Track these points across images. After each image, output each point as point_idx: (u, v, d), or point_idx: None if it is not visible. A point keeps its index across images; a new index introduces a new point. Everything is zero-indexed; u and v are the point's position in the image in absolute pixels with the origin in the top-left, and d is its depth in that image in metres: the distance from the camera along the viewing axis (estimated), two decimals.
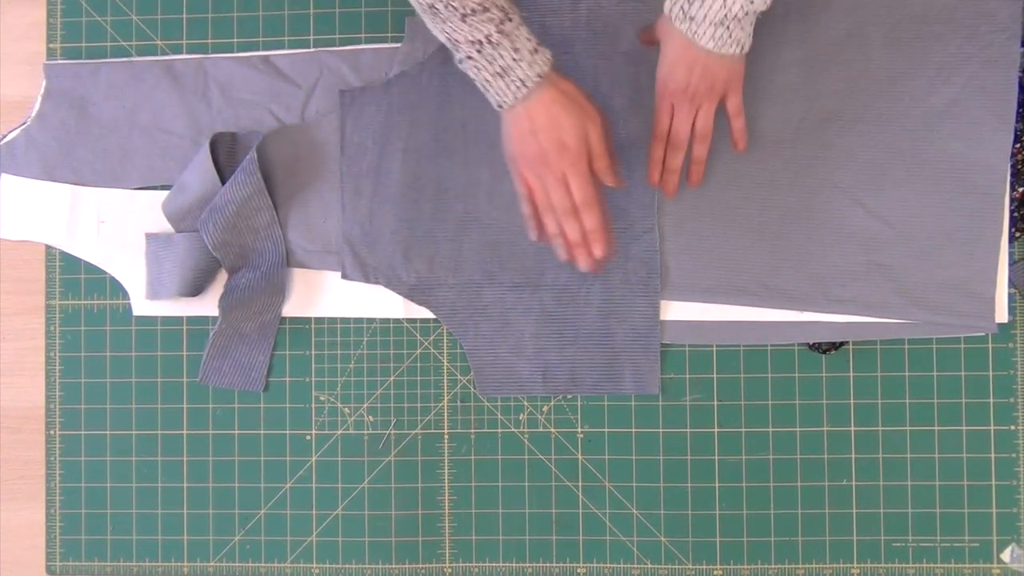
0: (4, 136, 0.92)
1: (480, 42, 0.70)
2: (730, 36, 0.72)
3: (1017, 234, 0.84)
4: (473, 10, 0.69)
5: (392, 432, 0.89)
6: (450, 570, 0.88)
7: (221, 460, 0.89)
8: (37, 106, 0.91)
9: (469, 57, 0.71)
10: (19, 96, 0.93)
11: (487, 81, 0.72)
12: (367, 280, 0.87)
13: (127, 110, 0.90)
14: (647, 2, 0.84)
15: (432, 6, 0.69)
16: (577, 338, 0.86)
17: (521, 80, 0.72)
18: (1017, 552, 0.84)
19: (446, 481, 0.88)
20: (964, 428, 0.85)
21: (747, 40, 0.73)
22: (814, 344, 0.85)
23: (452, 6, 0.69)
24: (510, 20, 0.70)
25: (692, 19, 0.71)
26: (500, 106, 0.74)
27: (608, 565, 0.87)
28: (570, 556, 0.87)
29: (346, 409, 0.89)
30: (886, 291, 0.83)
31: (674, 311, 0.86)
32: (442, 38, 0.72)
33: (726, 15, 0.70)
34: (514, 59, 0.71)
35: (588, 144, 0.75)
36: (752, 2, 0.69)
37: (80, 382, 0.91)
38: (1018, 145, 0.83)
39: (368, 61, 0.88)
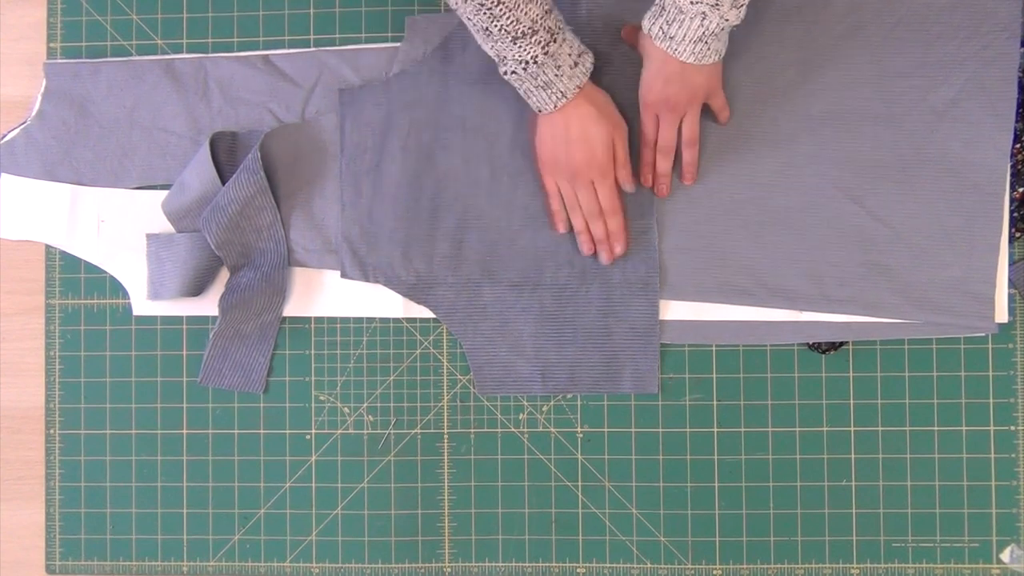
0: (4, 136, 0.92)
1: (526, 62, 0.75)
2: (708, 49, 0.74)
3: (1017, 234, 0.84)
4: (523, 33, 0.73)
5: (392, 432, 0.89)
6: (450, 570, 0.88)
7: (221, 460, 0.89)
8: (37, 106, 0.91)
9: (514, 72, 0.76)
10: (19, 96, 0.93)
11: (529, 91, 0.78)
12: (367, 279, 0.87)
13: (127, 109, 0.90)
14: (646, 2, 0.84)
15: (486, 29, 0.73)
16: (576, 337, 0.86)
17: (561, 92, 0.77)
18: (1017, 552, 0.84)
19: (446, 481, 0.88)
20: (964, 428, 0.85)
21: (724, 48, 0.76)
22: (814, 344, 0.85)
23: (505, 29, 0.73)
24: (554, 41, 0.75)
25: (672, 38, 0.74)
26: (539, 111, 0.79)
27: (608, 565, 0.87)
28: (570, 556, 0.87)
29: (346, 409, 0.89)
30: (885, 291, 0.83)
31: (673, 311, 0.86)
32: (490, 53, 0.77)
33: (704, 32, 0.73)
34: (556, 75, 0.76)
35: (614, 153, 0.81)
36: (727, 20, 0.72)
37: (80, 382, 0.91)
38: (1018, 145, 0.83)
39: (368, 61, 0.89)
